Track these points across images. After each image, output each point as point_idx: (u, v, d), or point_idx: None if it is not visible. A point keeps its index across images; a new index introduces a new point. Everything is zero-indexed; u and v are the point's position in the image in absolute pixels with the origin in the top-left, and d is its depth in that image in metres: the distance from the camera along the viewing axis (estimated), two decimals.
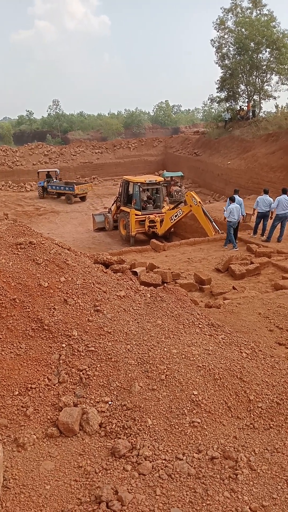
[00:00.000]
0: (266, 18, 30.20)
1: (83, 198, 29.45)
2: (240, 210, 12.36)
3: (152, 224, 17.11)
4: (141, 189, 17.54)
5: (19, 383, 3.60)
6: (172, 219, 16.12)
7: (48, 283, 4.33)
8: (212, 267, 10.60)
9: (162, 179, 19.73)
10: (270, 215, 12.44)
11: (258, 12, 31.05)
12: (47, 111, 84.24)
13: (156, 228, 17.02)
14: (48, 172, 31.78)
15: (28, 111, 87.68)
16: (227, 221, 12.44)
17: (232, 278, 9.67)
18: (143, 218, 17.21)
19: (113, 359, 3.81)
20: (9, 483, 2.88)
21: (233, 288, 8.49)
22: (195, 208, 14.70)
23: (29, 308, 4.09)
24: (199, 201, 14.75)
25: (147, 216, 17.20)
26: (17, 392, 3.54)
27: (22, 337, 3.90)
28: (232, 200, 12.51)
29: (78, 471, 3.01)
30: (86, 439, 3.29)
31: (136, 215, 17.14)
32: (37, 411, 3.47)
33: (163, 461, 3.03)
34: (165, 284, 7.48)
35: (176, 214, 15.86)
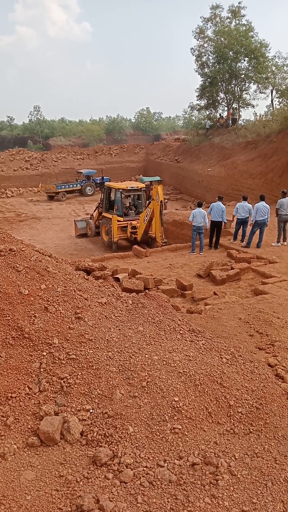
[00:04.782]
0: (244, 28, 30.84)
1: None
2: (205, 215, 12.91)
3: (134, 230, 17.12)
4: (123, 195, 17.59)
5: None
6: (145, 220, 15.95)
7: (29, 291, 4.30)
8: (194, 273, 10.69)
9: (144, 185, 19.80)
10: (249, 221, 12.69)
11: (237, 22, 31.70)
12: (28, 117, 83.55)
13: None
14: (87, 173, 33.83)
15: (9, 116, 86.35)
16: (192, 225, 13.00)
17: (213, 284, 9.76)
18: (125, 224, 17.23)
19: (94, 367, 3.80)
20: None
21: (214, 293, 8.57)
22: (154, 203, 14.59)
23: (9, 316, 4.04)
24: (161, 200, 14.55)
25: (129, 222, 17.23)
26: None
27: (2, 346, 3.85)
28: (199, 205, 13.35)
29: (59, 481, 2.99)
30: (67, 448, 3.27)
31: (118, 221, 17.16)
32: (17, 420, 3.43)
33: (145, 469, 3.04)
34: (147, 290, 7.50)
35: (146, 213, 15.76)
